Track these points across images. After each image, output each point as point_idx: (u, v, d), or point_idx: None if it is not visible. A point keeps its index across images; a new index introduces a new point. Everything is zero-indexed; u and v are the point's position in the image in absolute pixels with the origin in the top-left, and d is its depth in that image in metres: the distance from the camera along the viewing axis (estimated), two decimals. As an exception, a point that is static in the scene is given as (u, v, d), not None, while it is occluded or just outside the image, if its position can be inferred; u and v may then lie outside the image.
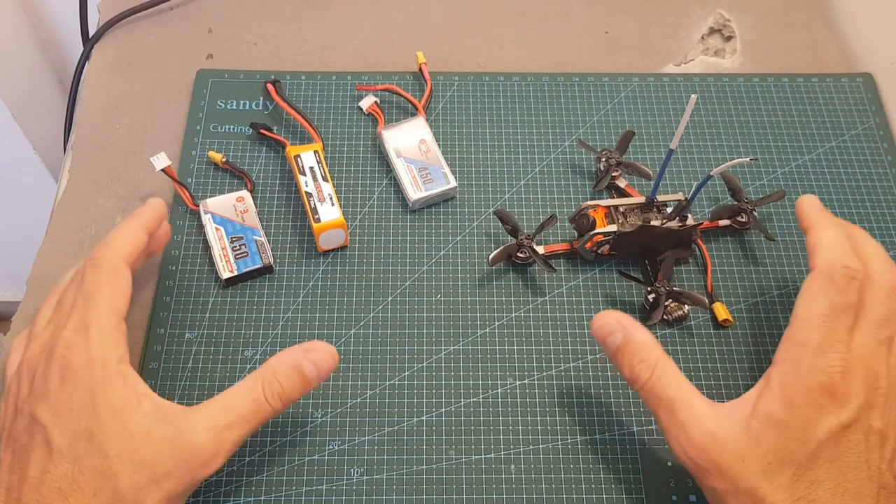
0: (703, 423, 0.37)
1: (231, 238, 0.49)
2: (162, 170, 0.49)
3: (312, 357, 0.39)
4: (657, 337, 0.47)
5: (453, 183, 0.51)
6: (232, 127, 0.54)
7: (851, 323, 0.37)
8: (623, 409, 0.44)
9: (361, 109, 0.55)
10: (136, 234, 0.42)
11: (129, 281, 0.40)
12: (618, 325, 0.40)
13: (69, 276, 0.45)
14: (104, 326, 0.38)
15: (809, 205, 0.43)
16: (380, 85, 0.55)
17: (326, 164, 0.50)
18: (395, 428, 0.44)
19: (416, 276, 0.49)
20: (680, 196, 0.49)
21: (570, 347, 0.46)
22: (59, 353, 0.37)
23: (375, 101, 0.55)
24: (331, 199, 0.48)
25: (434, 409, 0.44)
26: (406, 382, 0.45)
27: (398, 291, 0.48)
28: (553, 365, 0.46)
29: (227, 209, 0.50)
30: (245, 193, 0.51)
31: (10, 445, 0.37)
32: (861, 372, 0.37)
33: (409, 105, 0.55)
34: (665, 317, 0.47)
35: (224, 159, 0.52)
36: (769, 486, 0.35)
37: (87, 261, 0.40)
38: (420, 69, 0.56)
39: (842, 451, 0.36)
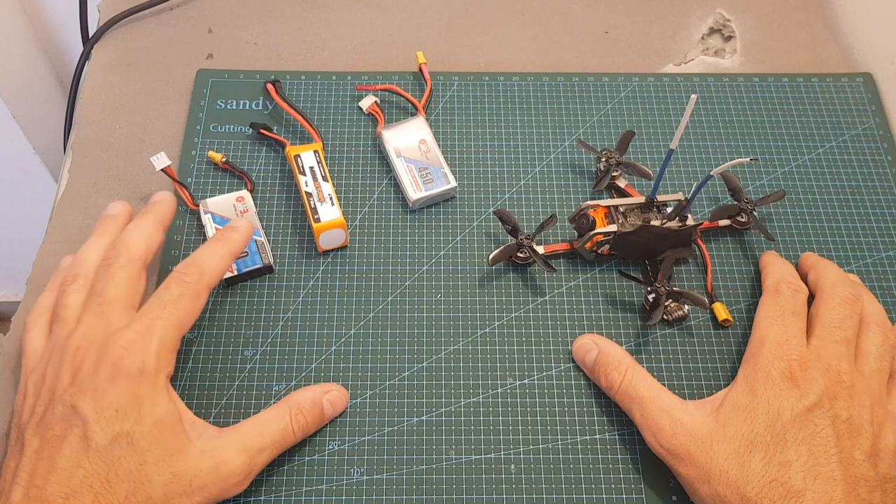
0: (672, 413, 0.40)
1: (231, 238, 0.48)
2: (162, 170, 0.49)
3: (330, 397, 0.43)
4: (657, 337, 0.47)
5: (453, 183, 0.51)
6: (232, 127, 0.54)
7: (804, 327, 0.42)
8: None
9: (361, 109, 0.55)
10: (157, 236, 0.44)
11: (204, 304, 0.41)
12: (592, 344, 0.45)
13: (94, 250, 0.44)
14: (168, 341, 0.39)
15: (769, 254, 0.49)
16: (380, 85, 0.55)
17: (326, 164, 0.50)
18: (395, 428, 0.44)
19: (416, 276, 0.49)
20: (680, 196, 0.49)
21: (570, 347, 0.46)
22: (116, 353, 0.37)
23: (375, 101, 0.55)
24: (331, 199, 0.48)
25: (434, 409, 0.44)
26: (406, 382, 0.45)
27: (398, 291, 0.48)
28: (553, 365, 0.46)
29: (227, 209, 0.50)
30: (245, 193, 0.51)
31: (40, 432, 0.37)
32: (820, 364, 0.40)
33: (409, 105, 0.55)
34: (665, 317, 0.47)
35: (224, 159, 0.52)
36: (740, 468, 0.37)
37: (177, 272, 0.41)
38: (420, 69, 0.56)
39: (809, 435, 0.38)
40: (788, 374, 0.39)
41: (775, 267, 0.46)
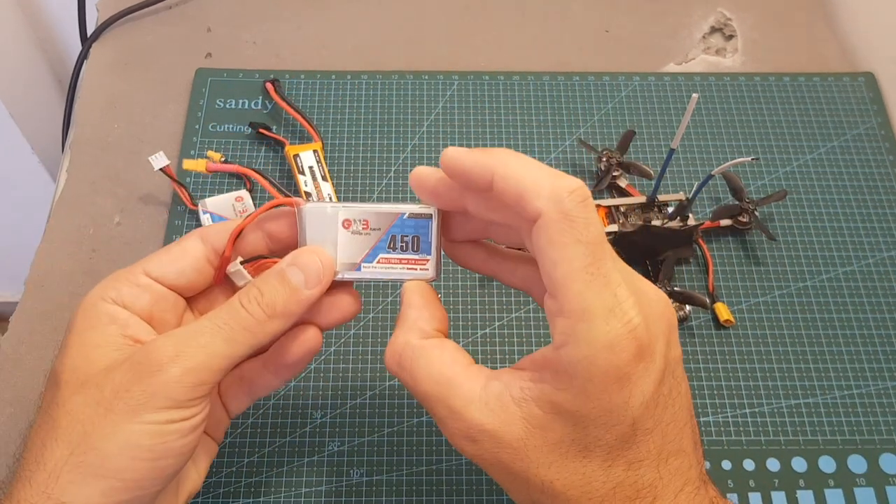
0: (468, 413, 0.30)
1: (230, 238, 0.48)
2: (160, 169, 0.49)
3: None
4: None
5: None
6: (231, 126, 0.54)
7: (615, 252, 0.29)
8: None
9: (361, 109, 0.55)
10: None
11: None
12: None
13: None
14: None
15: (456, 157, 0.31)
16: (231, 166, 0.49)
17: (326, 163, 0.50)
18: (395, 429, 0.44)
19: (416, 276, 0.49)
20: (681, 196, 0.49)
21: (570, 348, 0.46)
22: None
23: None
24: (330, 198, 0.48)
25: (434, 410, 0.44)
26: (406, 383, 0.45)
27: (398, 291, 0.48)
28: (554, 365, 0.46)
29: (226, 209, 0.49)
30: (244, 193, 0.50)
31: None
32: (647, 302, 0.29)
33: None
34: (666, 317, 0.47)
35: (223, 159, 0.52)
36: (569, 478, 0.29)
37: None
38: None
39: (659, 413, 0.29)
40: (638, 351, 0.28)
41: (531, 175, 0.29)
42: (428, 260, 0.33)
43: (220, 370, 0.30)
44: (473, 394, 0.30)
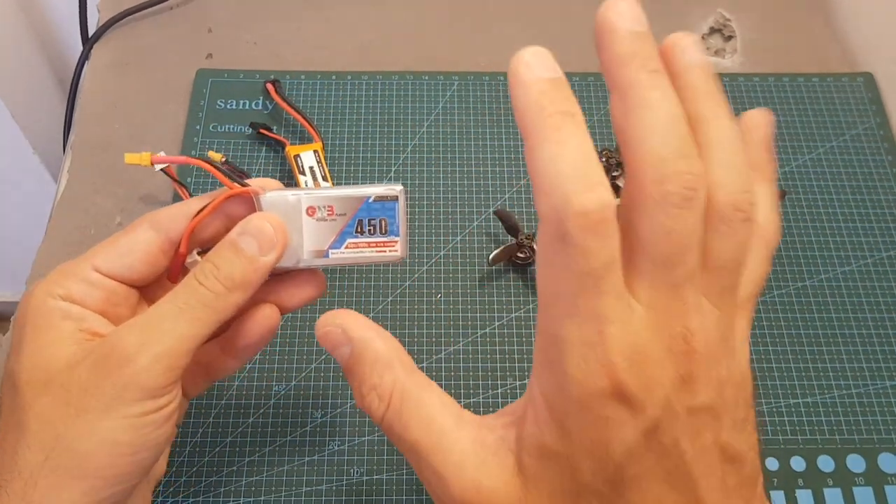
0: (463, 472, 0.27)
1: (231, 238, 0.48)
2: (161, 170, 0.49)
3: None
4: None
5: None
6: (232, 127, 0.54)
7: (619, 287, 0.24)
8: (623, 409, 0.44)
9: (361, 109, 0.55)
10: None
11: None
12: (342, 336, 0.29)
13: None
14: None
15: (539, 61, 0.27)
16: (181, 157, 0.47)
17: (326, 163, 0.50)
18: (395, 428, 0.44)
19: (416, 276, 0.49)
20: (680, 196, 0.49)
21: (570, 347, 0.46)
22: None
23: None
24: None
25: (434, 410, 0.44)
26: (406, 383, 0.45)
27: (398, 291, 0.48)
28: (553, 365, 0.46)
29: (227, 209, 0.49)
30: (245, 193, 0.50)
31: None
32: (659, 343, 0.24)
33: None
34: (665, 317, 0.47)
35: (224, 159, 0.52)
36: None
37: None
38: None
39: (651, 462, 0.25)
40: (614, 392, 0.24)
41: (555, 165, 0.24)
42: (396, 241, 0.33)
43: (188, 352, 0.30)
44: (467, 450, 0.27)
